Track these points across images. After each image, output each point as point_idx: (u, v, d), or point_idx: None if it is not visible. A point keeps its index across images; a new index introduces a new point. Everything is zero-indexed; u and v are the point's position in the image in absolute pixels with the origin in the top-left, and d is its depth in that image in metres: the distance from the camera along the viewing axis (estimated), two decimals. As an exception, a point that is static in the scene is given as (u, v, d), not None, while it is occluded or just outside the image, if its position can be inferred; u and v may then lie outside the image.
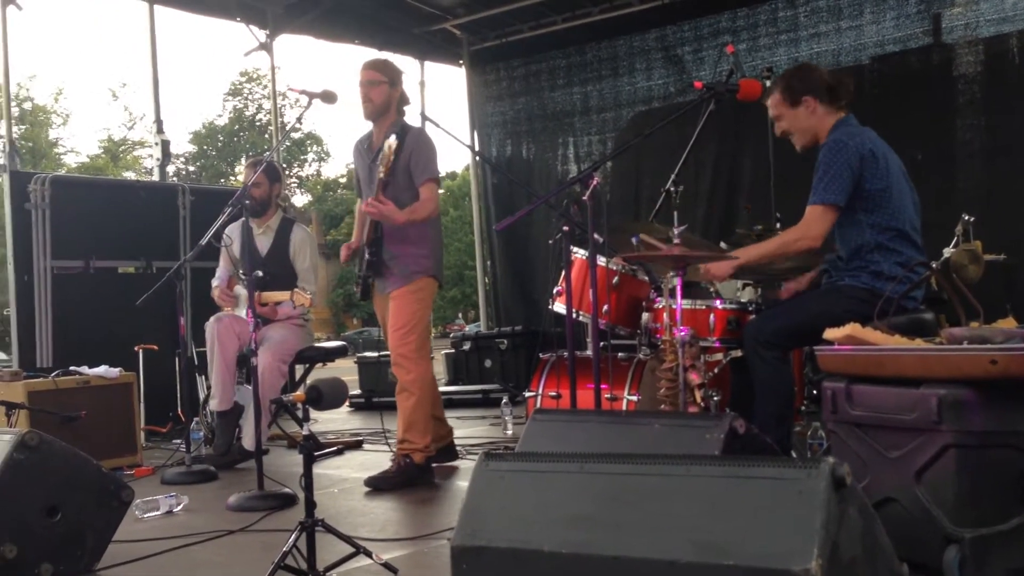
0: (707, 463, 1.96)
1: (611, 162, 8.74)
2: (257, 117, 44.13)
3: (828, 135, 3.80)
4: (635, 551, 1.88)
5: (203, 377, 6.14)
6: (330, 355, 5.92)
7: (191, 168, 42.57)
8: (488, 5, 9.03)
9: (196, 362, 6.24)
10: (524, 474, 2.13)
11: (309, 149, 46.17)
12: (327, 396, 3.04)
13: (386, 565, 2.96)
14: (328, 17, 8.86)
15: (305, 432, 2.99)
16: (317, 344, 5.99)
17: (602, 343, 4.16)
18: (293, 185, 43.95)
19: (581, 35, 9.09)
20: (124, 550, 3.35)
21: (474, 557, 2.07)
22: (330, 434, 6.64)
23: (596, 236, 3.75)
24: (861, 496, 1.89)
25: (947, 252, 4.64)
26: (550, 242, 4.34)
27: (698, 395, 3.61)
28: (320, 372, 5.02)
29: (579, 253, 4.39)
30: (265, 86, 42.12)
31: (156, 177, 8.15)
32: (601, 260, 4.23)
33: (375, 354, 7.99)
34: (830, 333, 2.99)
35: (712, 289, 4.73)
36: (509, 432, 6.12)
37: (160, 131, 8.06)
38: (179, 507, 4.18)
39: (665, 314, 3.76)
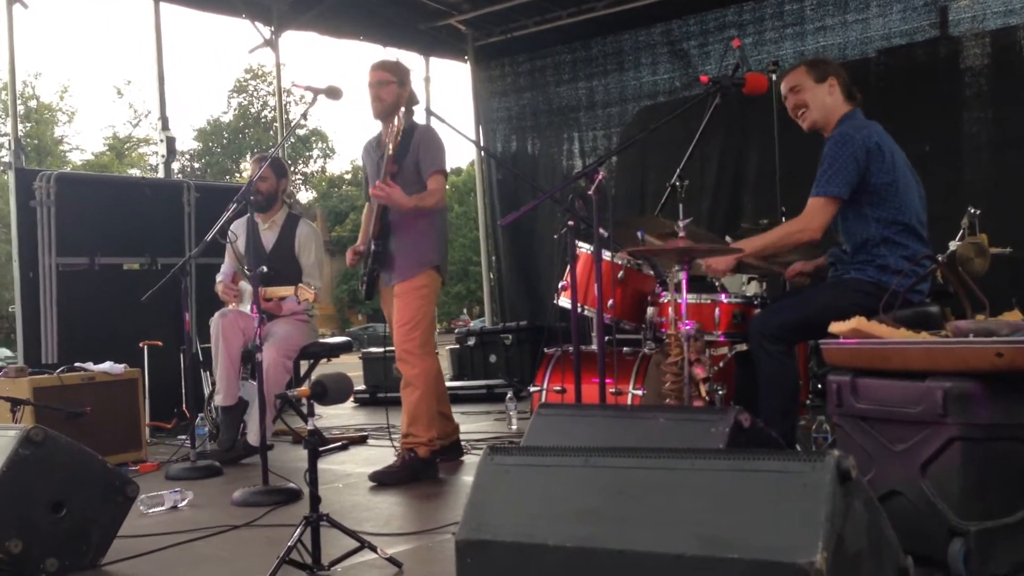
0: (712, 457, 1.96)
1: (616, 157, 8.73)
2: (262, 114, 44.20)
3: (834, 127, 3.79)
4: (640, 545, 1.88)
5: (208, 373, 6.15)
6: (335, 351, 5.92)
7: (196, 165, 42.63)
8: (493, 1, 9.02)
9: (201, 358, 6.24)
10: (529, 468, 2.13)
11: (314, 145, 46.21)
12: (332, 391, 3.04)
13: (391, 560, 2.97)
14: (333, 13, 8.86)
15: (310, 427, 2.99)
16: (322, 340, 5.99)
17: (607, 337, 4.15)
18: (298, 181, 43.98)
19: (586, 30, 9.08)
20: (129, 545, 3.35)
21: (479, 551, 2.06)
22: (335, 429, 6.64)
23: (601, 231, 3.74)
24: (866, 489, 1.88)
25: (953, 245, 4.62)
26: (555, 237, 4.33)
27: (703, 389, 3.61)
28: (325, 368, 5.02)
29: (584, 248, 4.38)
30: (270, 83, 42.19)
31: (161, 174, 8.16)
32: (606, 254, 4.23)
33: (380, 350, 7.99)
34: (835, 327, 2.98)
35: (717, 283, 4.72)
36: (514, 427, 6.11)
37: (165, 128, 8.07)
38: (184, 502, 4.19)
39: (670, 308, 3.75)
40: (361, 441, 6.07)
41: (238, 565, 3.25)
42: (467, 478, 4.52)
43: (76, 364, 5.50)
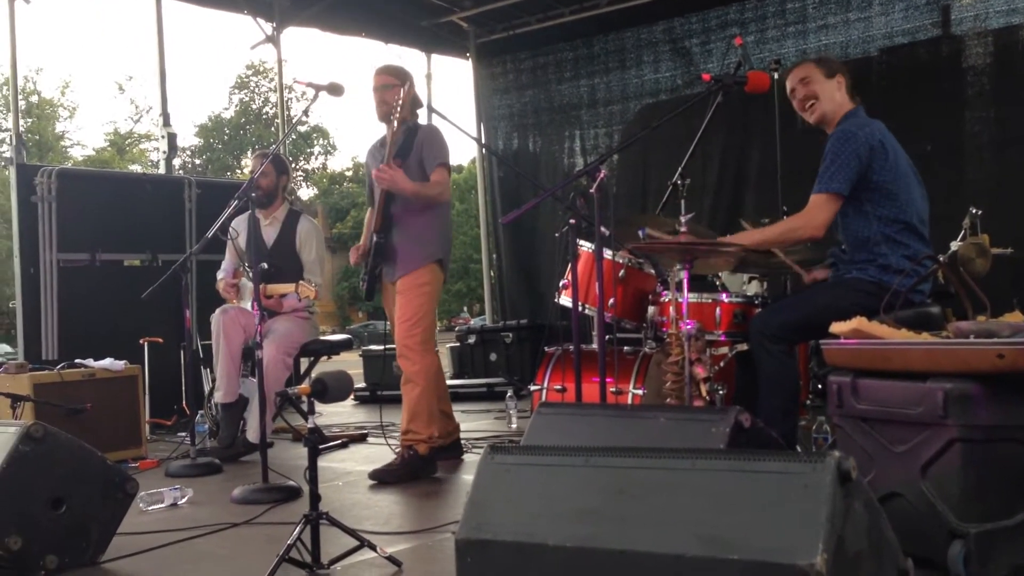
0: (712, 457, 1.95)
1: (618, 155, 8.72)
2: (263, 110, 44.20)
3: (837, 124, 3.79)
4: (640, 545, 1.88)
5: (208, 370, 6.15)
6: (335, 348, 5.92)
7: (197, 161, 42.64)
8: (495, -3, 9.02)
9: (201, 355, 6.24)
10: (529, 467, 2.13)
11: (315, 142, 46.22)
12: (332, 389, 3.04)
13: (390, 558, 2.97)
14: (334, 9, 8.84)
15: (310, 425, 2.99)
16: (322, 337, 5.99)
17: (608, 336, 4.15)
18: (299, 178, 43.99)
19: (588, 27, 9.06)
20: (128, 542, 3.35)
21: (479, 550, 2.06)
22: (335, 427, 6.64)
23: (603, 229, 3.74)
24: (866, 490, 1.88)
25: (954, 245, 4.60)
26: (556, 235, 4.32)
27: (704, 389, 3.60)
28: (325, 365, 5.02)
29: (585, 246, 4.38)
30: (271, 79, 42.23)
31: (162, 170, 8.15)
32: (607, 253, 4.22)
33: (380, 347, 7.99)
34: (836, 327, 2.98)
35: (718, 283, 4.72)
36: (514, 426, 6.11)
37: (166, 124, 8.07)
38: (183, 500, 4.19)
39: (671, 307, 3.74)
40: (361, 439, 6.07)
41: (237, 563, 3.25)
42: (467, 477, 4.52)
43: (76, 360, 5.50)
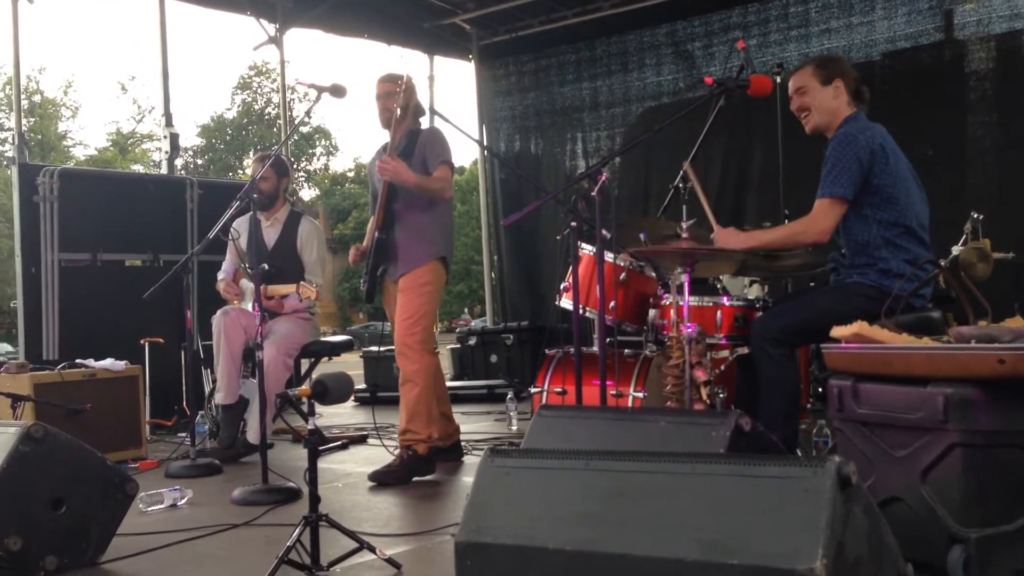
0: (713, 461, 1.95)
1: (620, 158, 8.71)
2: (266, 111, 44.25)
3: (838, 128, 3.79)
4: (640, 549, 1.88)
5: (209, 370, 6.15)
6: (336, 349, 5.93)
7: (199, 161, 42.67)
8: (498, 0, 9.01)
9: (202, 355, 6.24)
10: (529, 470, 2.13)
11: (317, 143, 46.25)
12: (332, 390, 3.04)
13: (390, 561, 2.96)
14: (337, 11, 8.85)
15: (310, 426, 2.98)
16: (323, 338, 5.99)
17: (608, 339, 4.15)
18: (301, 179, 44.03)
19: (591, 30, 9.06)
20: (128, 543, 3.35)
21: (478, 553, 2.06)
22: (335, 428, 6.64)
23: (604, 232, 3.74)
24: (867, 495, 1.87)
25: (956, 250, 4.62)
26: (558, 238, 4.33)
27: (704, 392, 3.60)
28: (325, 366, 5.02)
29: (587, 249, 4.38)
30: (274, 80, 42.28)
31: (164, 170, 8.15)
32: (609, 256, 4.23)
33: (381, 348, 7.99)
34: (837, 331, 2.97)
35: (719, 286, 4.71)
36: (514, 428, 6.11)
37: (169, 124, 8.06)
38: (183, 500, 4.19)
39: (672, 311, 3.74)
40: (361, 440, 6.07)
41: (237, 564, 3.25)
42: (467, 479, 4.52)
43: (77, 360, 5.50)
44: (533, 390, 4.58)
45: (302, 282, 4.92)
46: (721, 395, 3.78)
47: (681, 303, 3.62)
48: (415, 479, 4.56)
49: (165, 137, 8.10)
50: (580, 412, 3.24)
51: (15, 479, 3.00)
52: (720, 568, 1.77)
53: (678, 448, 2.39)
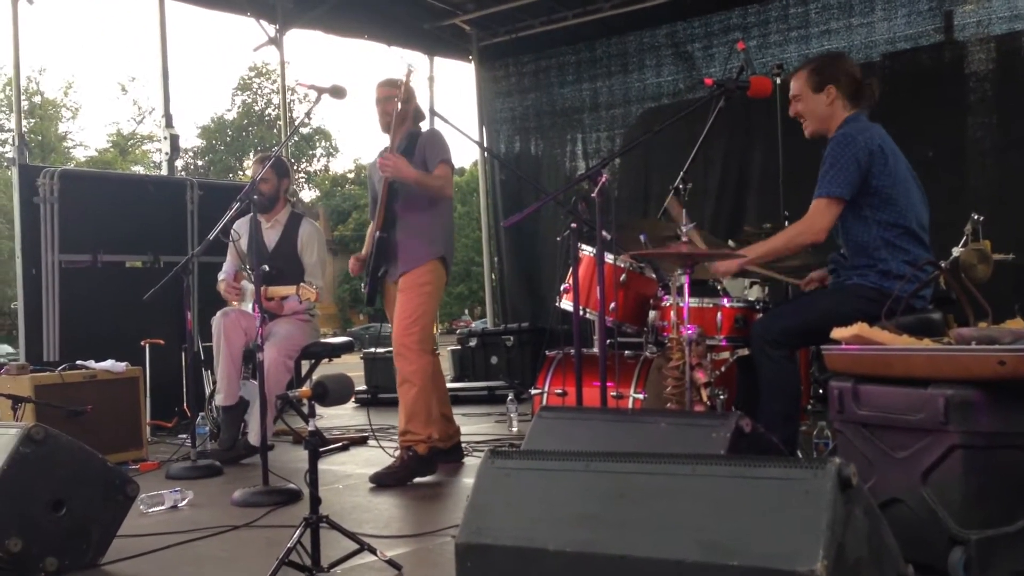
0: (713, 462, 1.95)
1: (620, 159, 8.72)
2: (266, 112, 44.27)
3: (837, 129, 3.78)
4: (640, 550, 1.88)
5: (209, 372, 6.15)
6: (336, 351, 5.92)
7: (199, 163, 42.69)
8: (498, 1, 9.01)
9: (202, 357, 6.24)
10: (529, 472, 2.13)
11: (318, 144, 46.26)
12: (333, 393, 3.04)
13: (390, 562, 2.96)
14: (338, 12, 8.85)
15: (310, 428, 2.98)
16: (323, 340, 5.99)
17: (609, 341, 4.15)
18: (301, 180, 44.04)
19: (591, 31, 9.07)
20: (129, 544, 3.35)
21: (479, 555, 2.06)
22: (335, 430, 6.64)
23: (604, 233, 3.74)
24: (867, 497, 1.87)
25: (956, 251, 4.62)
26: (558, 239, 4.33)
27: (704, 394, 3.60)
28: (326, 368, 5.02)
29: (587, 250, 4.38)
30: (274, 81, 42.30)
31: (165, 171, 8.15)
32: (609, 257, 4.23)
33: (381, 350, 7.99)
34: (837, 332, 2.97)
35: (720, 287, 4.71)
36: (514, 429, 6.11)
37: (169, 125, 8.06)
38: (184, 502, 4.19)
39: (672, 312, 3.74)
40: (361, 442, 6.07)
41: (237, 566, 3.25)
42: (467, 480, 4.52)
43: (78, 362, 5.50)
44: (533, 391, 4.58)
45: (302, 284, 4.92)
46: (721, 397, 3.78)
47: (681, 304, 3.62)
48: (416, 480, 4.56)
49: (165, 138, 8.10)
50: (580, 413, 3.24)
51: (16, 480, 3.00)
52: (721, 569, 1.77)
53: (678, 449, 2.39)
